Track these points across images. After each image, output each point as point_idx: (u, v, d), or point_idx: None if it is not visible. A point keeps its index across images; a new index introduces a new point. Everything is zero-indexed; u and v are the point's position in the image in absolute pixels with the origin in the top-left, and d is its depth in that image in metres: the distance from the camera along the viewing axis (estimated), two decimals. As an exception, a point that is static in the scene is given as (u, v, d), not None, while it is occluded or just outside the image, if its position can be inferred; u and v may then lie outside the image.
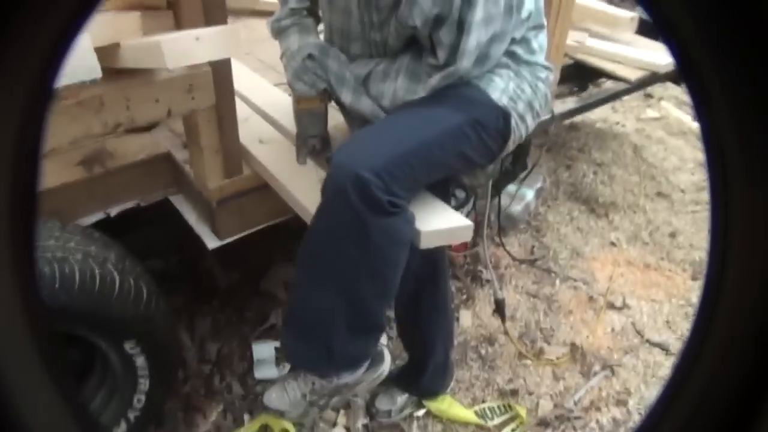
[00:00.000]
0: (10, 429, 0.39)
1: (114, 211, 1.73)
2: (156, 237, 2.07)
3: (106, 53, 1.23)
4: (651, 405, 0.46)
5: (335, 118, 1.50)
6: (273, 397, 1.49)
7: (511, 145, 1.35)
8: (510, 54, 1.29)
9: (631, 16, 2.82)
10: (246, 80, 1.87)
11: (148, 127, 1.87)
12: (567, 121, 3.26)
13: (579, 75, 2.70)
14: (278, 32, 1.43)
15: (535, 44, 1.32)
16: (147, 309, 1.51)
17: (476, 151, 1.26)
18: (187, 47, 1.02)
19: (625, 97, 3.78)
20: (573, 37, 2.60)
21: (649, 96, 3.84)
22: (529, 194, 2.67)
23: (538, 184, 2.73)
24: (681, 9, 0.35)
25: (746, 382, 0.38)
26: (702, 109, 0.37)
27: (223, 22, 1.28)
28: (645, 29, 3.42)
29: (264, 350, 2.09)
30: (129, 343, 1.51)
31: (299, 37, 1.38)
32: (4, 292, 0.39)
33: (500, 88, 1.27)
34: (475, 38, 1.15)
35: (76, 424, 0.45)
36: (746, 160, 0.36)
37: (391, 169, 1.10)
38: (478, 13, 1.12)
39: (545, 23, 1.36)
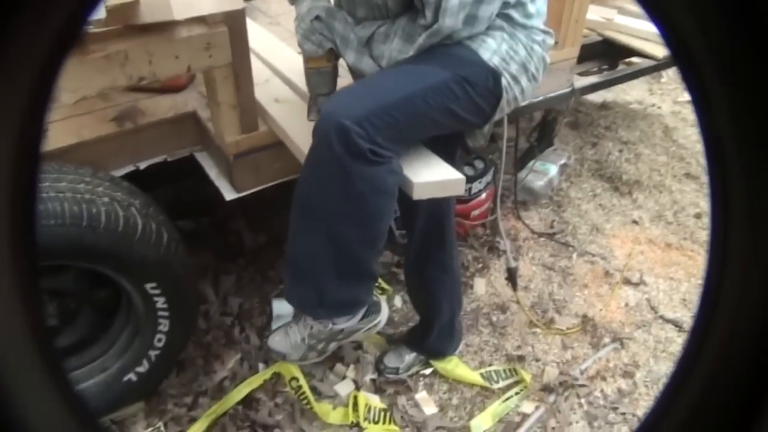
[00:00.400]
0: (10, 429, 0.40)
1: (143, 165, 1.86)
2: (184, 193, 2.19)
3: (128, 10, 1.34)
4: (651, 405, 0.46)
5: (347, 78, 1.58)
6: (276, 340, 1.59)
7: (506, 106, 1.40)
8: (505, 17, 1.33)
9: (663, -7, 2.78)
10: (268, 44, 1.97)
11: (178, 89, 1.99)
12: (598, 101, 3.25)
13: (608, 52, 2.70)
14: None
15: (531, 8, 1.36)
16: (167, 253, 1.63)
17: (465, 109, 1.31)
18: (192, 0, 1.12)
19: (663, 80, 3.74)
20: (602, 14, 2.60)
21: (688, 79, 3.76)
22: (553, 170, 2.69)
23: (563, 160, 2.74)
24: (681, 9, 0.35)
25: (746, 382, 0.38)
26: (702, 109, 0.37)
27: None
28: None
29: (283, 307, 2.19)
30: (150, 284, 1.64)
31: (311, 2, 1.46)
32: (4, 293, 0.39)
33: (492, 49, 1.31)
34: None
35: (75, 422, 0.45)
36: (746, 159, 0.36)
37: (373, 120, 1.17)
38: None
39: (543, -11, 1.40)
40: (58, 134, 1.76)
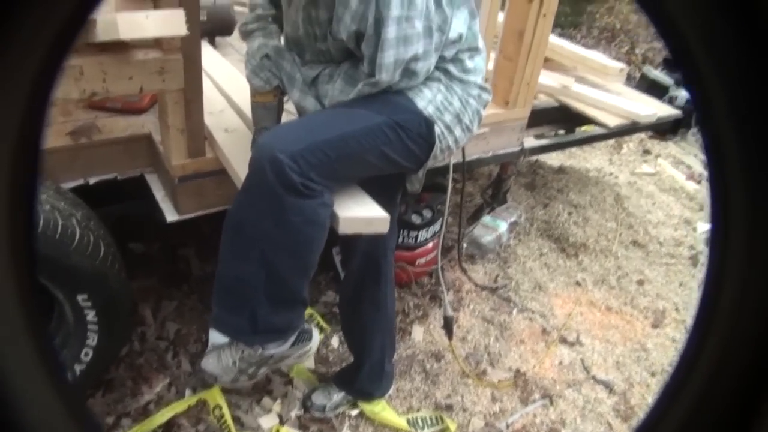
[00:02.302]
0: (9, 429, 0.40)
1: (93, 180, 1.89)
2: (132, 214, 2.22)
3: (85, 28, 1.40)
4: (651, 405, 0.47)
5: (291, 112, 1.65)
6: (209, 362, 1.60)
7: (439, 154, 1.47)
8: (443, 70, 1.42)
9: (620, 67, 2.94)
10: (229, 77, 2.04)
11: (140, 112, 2.05)
12: (555, 165, 3.36)
13: (565, 118, 2.82)
14: (245, 35, 1.59)
15: (469, 64, 1.45)
16: (102, 266, 1.64)
17: (398, 153, 1.38)
18: (139, 22, 1.18)
19: (623, 151, 3.89)
20: (560, 81, 2.73)
21: (647, 152, 3.92)
22: (503, 226, 2.76)
23: (513, 218, 2.82)
24: (682, 9, 0.35)
25: (746, 382, 0.38)
26: (702, 110, 0.38)
27: (196, 10, 1.44)
28: (645, 87, 3.54)
29: (220, 337, 2.19)
30: (82, 295, 1.65)
31: (261, 40, 1.54)
32: (3, 292, 0.39)
33: (427, 98, 1.39)
34: (391, 55, 1.28)
35: (74, 422, 0.45)
36: (746, 160, 0.36)
37: (306, 155, 1.23)
38: (391, 32, 1.25)
39: (481, 47, 1.49)
40: (13, 142, 1.80)
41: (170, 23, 1.23)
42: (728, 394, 0.39)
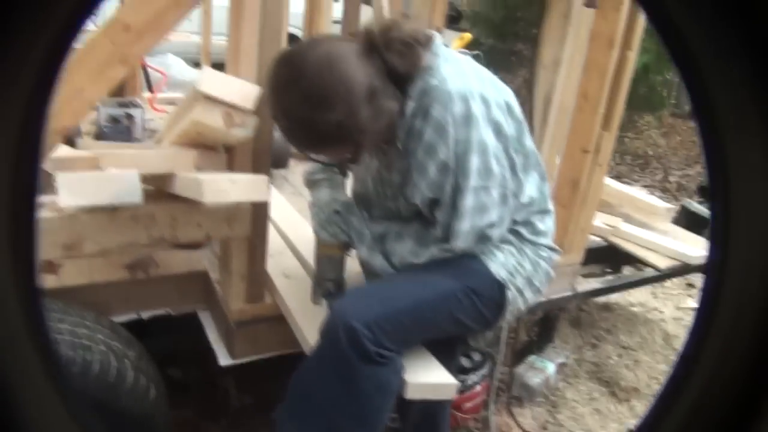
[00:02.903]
0: (9, 429, 0.40)
1: (146, 315, 1.88)
2: (179, 347, 2.18)
3: (164, 180, 1.43)
4: (651, 405, 0.46)
5: (354, 264, 1.64)
6: None
7: (508, 316, 1.44)
8: (515, 233, 1.41)
9: (667, 207, 2.94)
10: (287, 216, 2.06)
11: (195, 246, 2.06)
12: (600, 301, 3.29)
13: (612, 258, 2.78)
14: (311, 184, 1.62)
15: (540, 226, 1.45)
16: (150, 407, 1.60)
17: (470, 317, 1.35)
18: (224, 187, 1.21)
19: (667, 284, 3.80)
20: (608, 221, 2.72)
21: (690, 285, 3.83)
22: (551, 367, 2.66)
23: (561, 359, 2.72)
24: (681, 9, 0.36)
25: (746, 382, 0.38)
26: (702, 109, 0.38)
27: (266, 169, 1.48)
28: (685, 221, 3.52)
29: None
30: (126, 436, 1.59)
31: (329, 191, 1.56)
32: (4, 291, 0.39)
33: (500, 262, 1.38)
34: (468, 223, 1.28)
35: (74, 422, 0.45)
36: (747, 158, 0.36)
37: (382, 324, 1.21)
38: (468, 201, 1.26)
39: (551, 209, 1.49)
40: (70, 273, 1.81)
41: (254, 189, 1.25)
42: (728, 394, 0.39)
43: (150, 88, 3.79)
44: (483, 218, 1.28)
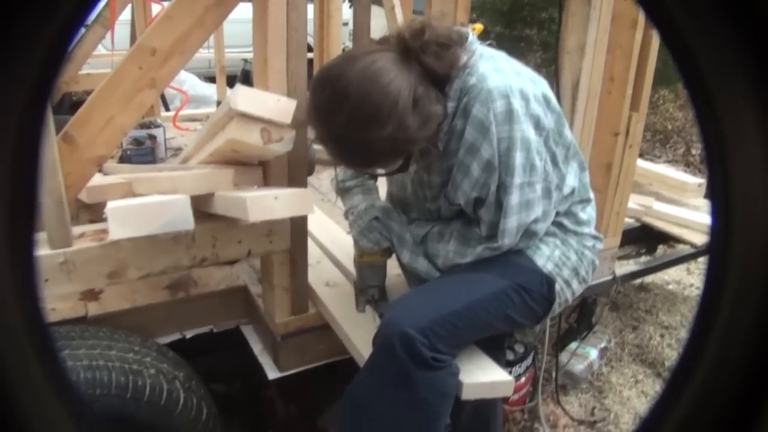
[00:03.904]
0: (9, 429, 0.40)
1: (189, 334, 1.89)
2: (223, 362, 2.19)
3: (202, 200, 1.44)
4: (651, 405, 0.46)
5: (394, 268, 1.63)
6: None
7: (557, 308, 1.42)
8: (557, 224, 1.40)
9: (699, 182, 2.89)
10: (321, 225, 2.06)
11: (232, 261, 2.07)
12: (636, 282, 3.25)
13: (646, 237, 2.75)
14: (343, 191, 1.60)
15: (582, 216, 1.43)
16: (204, 429, 1.61)
17: (521, 314, 1.34)
18: (268, 204, 1.20)
19: (700, 259, 3.75)
20: (640, 201, 2.69)
21: (726, 261, 3.78)
22: (593, 353, 2.64)
23: (603, 344, 2.69)
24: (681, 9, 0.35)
25: (746, 382, 0.38)
26: (702, 109, 0.38)
27: (303, 181, 1.47)
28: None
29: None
30: (181, 459, 1.59)
31: (363, 198, 1.55)
32: (3, 291, 0.39)
33: (546, 255, 1.36)
34: (514, 220, 1.27)
35: (73, 422, 0.45)
36: (747, 158, 0.36)
37: (436, 329, 1.20)
38: (514, 198, 1.24)
39: (592, 197, 1.47)
40: (113, 298, 1.82)
41: (298, 204, 1.24)
42: (728, 393, 0.39)
43: (166, 107, 3.82)
44: (529, 214, 1.27)
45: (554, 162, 1.30)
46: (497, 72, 1.22)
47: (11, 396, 0.40)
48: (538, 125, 1.23)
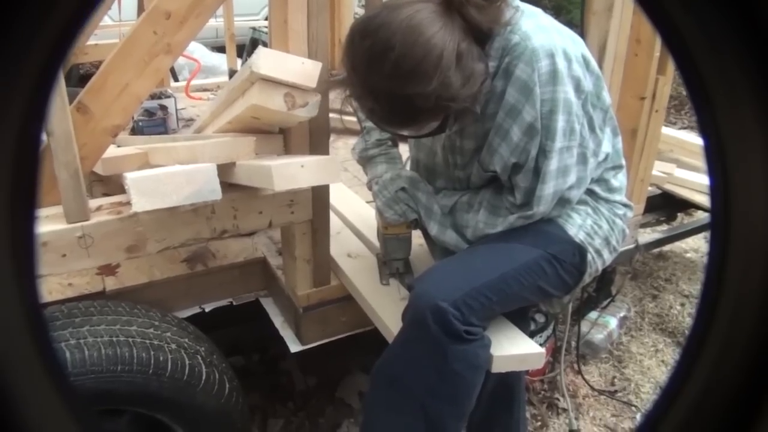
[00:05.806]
0: (9, 429, 0.39)
1: (209, 307, 1.87)
2: (243, 335, 2.18)
3: (223, 170, 1.39)
4: (651, 404, 0.45)
5: (416, 237, 1.59)
6: None
7: (587, 278, 1.39)
8: (589, 191, 1.35)
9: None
10: (340, 195, 2.01)
11: (250, 233, 2.03)
12: (655, 251, 3.21)
13: (667, 205, 2.70)
14: (366, 160, 1.55)
15: (614, 182, 1.38)
16: (227, 403, 1.59)
17: (552, 285, 1.30)
18: (293, 173, 1.16)
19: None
20: (661, 168, 2.63)
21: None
22: (613, 323, 2.61)
23: (622, 313, 2.67)
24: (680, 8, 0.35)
25: (746, 382, 0.38)
26: (702, 109, 0.37)
27: (326, 149, 1.43)
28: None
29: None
30: (205, 433, 1.58)
31: (387, 167, 1.50)
32: (3, 290, 0.38)
33: (577, 224, 1.32)
34: (551, 186, 1.22)
35: (74, 422, 0.44)
36: (747, 158, 0.36)
37: (468, 301, 1.16)
38: (553, 164, 1.19)
39: (624, 164, 1.42)
40: (130, 272, 1.80)
41: (325, 172, 1.20)
42: (728, 393, 0.39)
43: (175, 78, 3.76)
44: (566, 180, 1.22)
45: (591, 127, 1.25)
46: (541, 30, 1.15)
47: (10, 393, 0.39)
48: (578, 87, 1.18)
